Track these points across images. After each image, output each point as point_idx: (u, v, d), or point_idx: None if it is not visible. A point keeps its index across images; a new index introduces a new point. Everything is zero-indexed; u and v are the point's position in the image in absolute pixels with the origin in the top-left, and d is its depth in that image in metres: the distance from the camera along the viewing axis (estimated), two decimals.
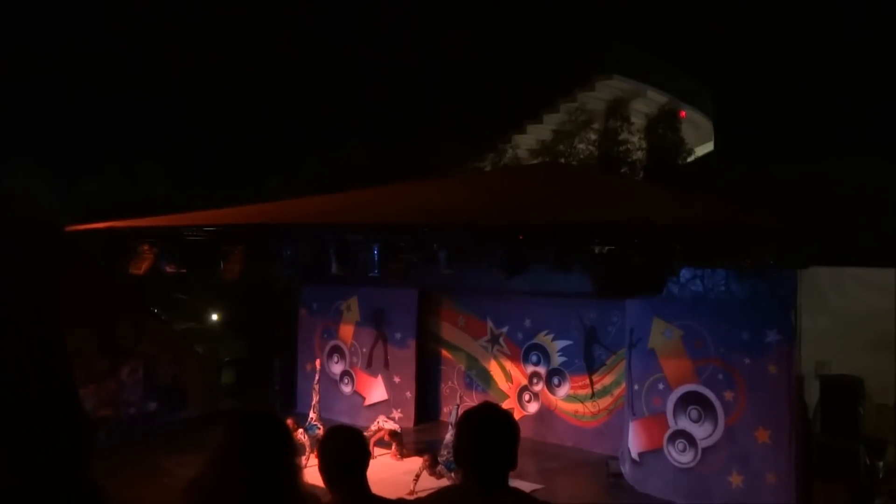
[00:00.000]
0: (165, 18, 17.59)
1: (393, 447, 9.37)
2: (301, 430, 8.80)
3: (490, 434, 2.59)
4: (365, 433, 3.02)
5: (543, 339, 10.57)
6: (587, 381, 10.13)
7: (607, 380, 9.94)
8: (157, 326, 12.25)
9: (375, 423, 9.52)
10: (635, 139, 16.48)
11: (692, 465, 8.11)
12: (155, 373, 11.46)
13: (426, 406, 11.48)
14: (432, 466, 7.89)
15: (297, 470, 2.54)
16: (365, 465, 2.80)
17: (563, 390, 10.38)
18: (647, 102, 18.90)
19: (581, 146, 16.58)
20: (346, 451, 2.79)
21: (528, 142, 18.35)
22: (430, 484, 7.67)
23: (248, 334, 14.17)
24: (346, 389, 11.78)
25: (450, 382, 11.57)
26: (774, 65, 19.78)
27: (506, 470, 2.59)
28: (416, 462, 8.34)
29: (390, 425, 9.43)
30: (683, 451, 8.18)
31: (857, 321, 8.12)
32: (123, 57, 17.17)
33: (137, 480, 7.98)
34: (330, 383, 11.88)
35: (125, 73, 17.14)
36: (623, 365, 9.23)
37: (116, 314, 11.18)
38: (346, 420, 11.21)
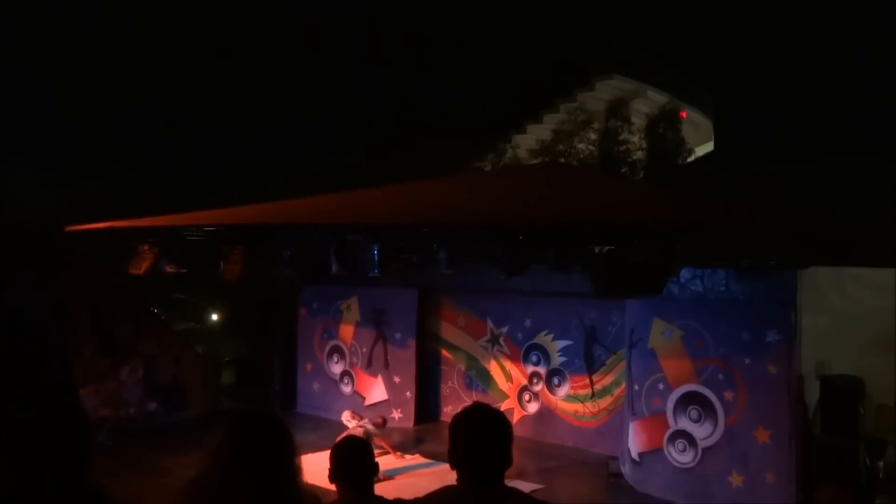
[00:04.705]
0: (165, 18, 17.59)
1: (387, 444, 9.32)
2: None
3: (482, 434, 2.59)
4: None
5: (543, 339, 10.57)
6: (587, 381, 10.13)
7: (607, 380, 9.94)
8: (157, 326, 12.25)
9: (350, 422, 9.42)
10: (635, 139, 16.49)
11: (692, 465, 8.11)
12: (155, 373, 11.46)
13: (426, 406, 11.48)
14: None
15: (296, 470, 2.54)
16: (371, 470, 3.22)
17: (563, 390, 10.38)
18: (647, 102, 18.90)
19: (581, 146, 16.59)
20: (356, 456, 3.23)
21: (528, 142, 18.33)
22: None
23: (248, 334, 14.16)
24: (346, 389, 11.77)
25: (450, 382, 11.57)
26: (774, 65, 19.77)
27: (501, 469, 2.58)
28: (415, 460, 8.28)
29: (365, 424, 9.29)
30: (683, 451, 8.18)
31: (857, 321, 8.10)
32: (123, 56, 17.16)
33: (137, 480, 7.97)
34: (330, 383, 11.89)
35: (125, 73, 17.13)
36: (623, 365, 9.23)
37: (116, 314, 11.18)
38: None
